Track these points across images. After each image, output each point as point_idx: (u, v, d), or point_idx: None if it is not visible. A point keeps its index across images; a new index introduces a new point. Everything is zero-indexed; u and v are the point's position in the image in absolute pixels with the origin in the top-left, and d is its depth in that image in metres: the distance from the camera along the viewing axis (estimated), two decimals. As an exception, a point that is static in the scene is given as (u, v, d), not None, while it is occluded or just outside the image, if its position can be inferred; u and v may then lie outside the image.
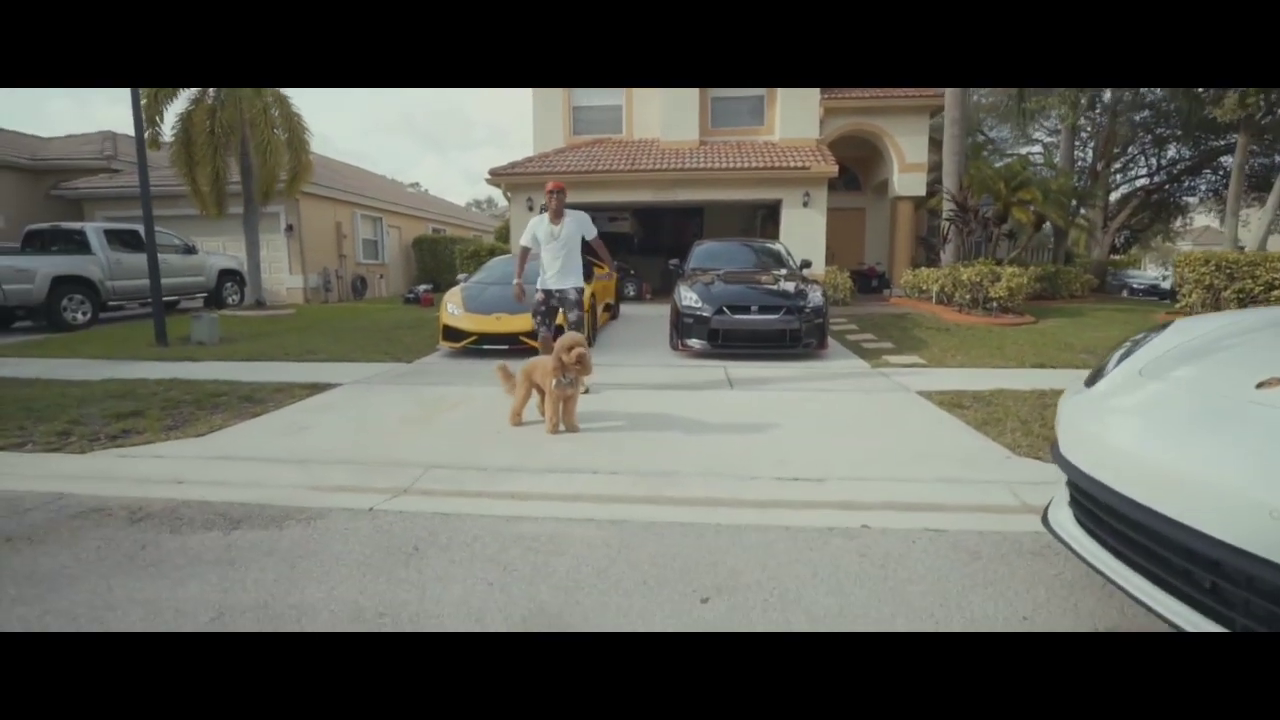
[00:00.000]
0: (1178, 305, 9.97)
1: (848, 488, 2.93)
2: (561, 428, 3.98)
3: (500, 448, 3.66)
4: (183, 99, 11.42)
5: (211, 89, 11.55)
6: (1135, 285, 23.15)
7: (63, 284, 9.76)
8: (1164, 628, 1.39)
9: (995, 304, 9.72)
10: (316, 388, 5.39)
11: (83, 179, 15.95)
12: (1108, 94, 16.10)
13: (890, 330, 8.75)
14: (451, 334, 7.11)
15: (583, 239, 5.12)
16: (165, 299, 11.56)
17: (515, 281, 5.27)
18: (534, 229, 5.04)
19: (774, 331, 6.69)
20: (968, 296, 10.05)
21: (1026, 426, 3.91)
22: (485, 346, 6.93)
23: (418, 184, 47.85)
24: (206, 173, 11.67)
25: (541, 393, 4.09)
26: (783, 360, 6.60)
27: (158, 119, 11.04)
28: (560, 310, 5.12)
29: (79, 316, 9.98)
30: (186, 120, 11.49)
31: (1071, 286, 13.49)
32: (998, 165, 13.40)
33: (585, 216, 5.06)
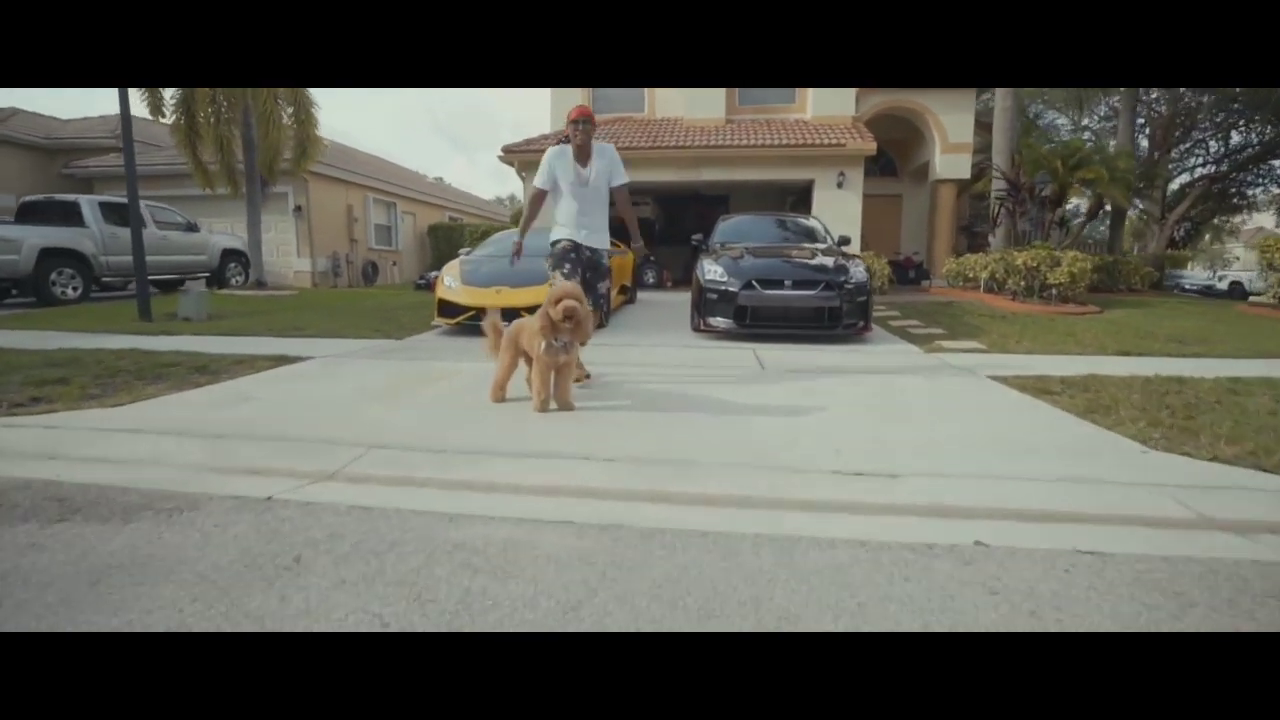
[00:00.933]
0: (1260, 297, 8.90)
1: (934, 487, 2.09)
2: (553, 405, 3.20)
3: (471, 426, 2.88)
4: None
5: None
6: (1187, 286, 21.67)
7: (52, 256, 9.24)
8: None
9: (1054, 292, 8.72)
10: (284, 360, 4.70)
11: (94, 158, 15.62)
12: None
13: (938, 317, 7.82)
14: (447, 309, 6.38)
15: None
16: (166, 277, 11.12)
17: (516, 240, 4.02)
18: (553, 165, 3.74)
19: (811, 309, 5.83)
20: (1022, 284, 9.05)
21: (1149, 415, 3.02)
22: (483, 322, 6.19)
23: (440, 178, 47.49)
24: (209, 144, 11.13)
25: (530, 361, 3.32)
26: (820, 343, 5.75)
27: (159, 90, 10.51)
28: (586, 270, 3.82)
29: (69, 292, 9.45)
30: (188, 93, 10.96)
31: (1130, 279, 12.31)
32: (1049, 146, 12.31)
33: (614, 154, 3.79)
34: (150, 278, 10.95)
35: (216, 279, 12.26)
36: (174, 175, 13.95)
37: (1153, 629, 1.24)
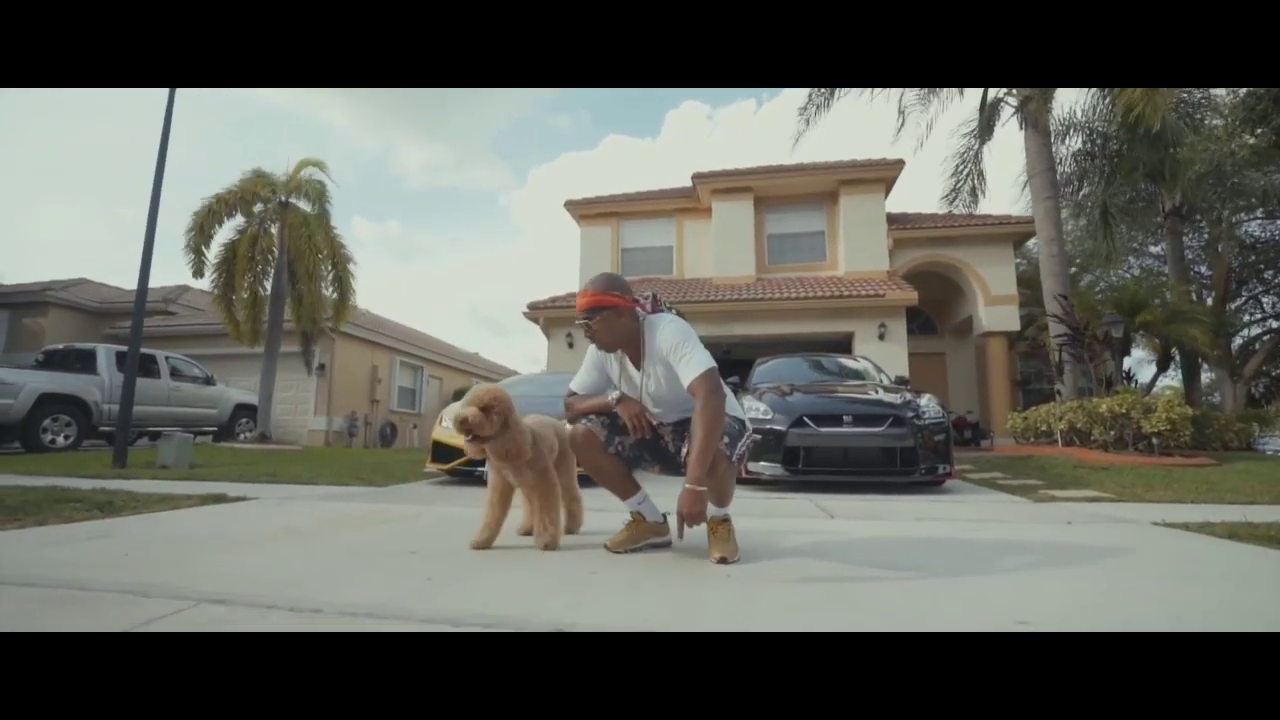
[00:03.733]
0: None
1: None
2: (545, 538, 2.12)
3: (386, 580, 1.81)
4: (229, 228, 11.37)
5: (256, 218, 11.51)
6: (1269, 450, 19.67)
7: (49, 402, 8.80)
8: None
9: (1154, 443, 7.46)
10: (220, 499, 3.76)
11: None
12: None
13: (1023, 470, 6.58)
14: (441, 453, 5.45)
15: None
16: (169, 429, 10.57)
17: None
18: (599, 361, 2.34)
19: (878, 450, 4.74)
20: (1111, 434, 7.83)
21: None
22: (480, 470, 5.20)
23: (477, 353, 49.02)
24: (244, 300, 11.28)
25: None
26: (890, 493, 4.59)
27: (204, 248, 10.93)
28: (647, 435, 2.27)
29: (59, 439, 8.87)
30: (229, 254, 11.33)
31: (1224, 434, 10.84)
32: (1101, 293, 11.68)
33: (674, 330, 2.09)
34: (153, 428, 10.53)
35: (225, 432, 11.72)
36: (211, 335, 14.22)
37: None
